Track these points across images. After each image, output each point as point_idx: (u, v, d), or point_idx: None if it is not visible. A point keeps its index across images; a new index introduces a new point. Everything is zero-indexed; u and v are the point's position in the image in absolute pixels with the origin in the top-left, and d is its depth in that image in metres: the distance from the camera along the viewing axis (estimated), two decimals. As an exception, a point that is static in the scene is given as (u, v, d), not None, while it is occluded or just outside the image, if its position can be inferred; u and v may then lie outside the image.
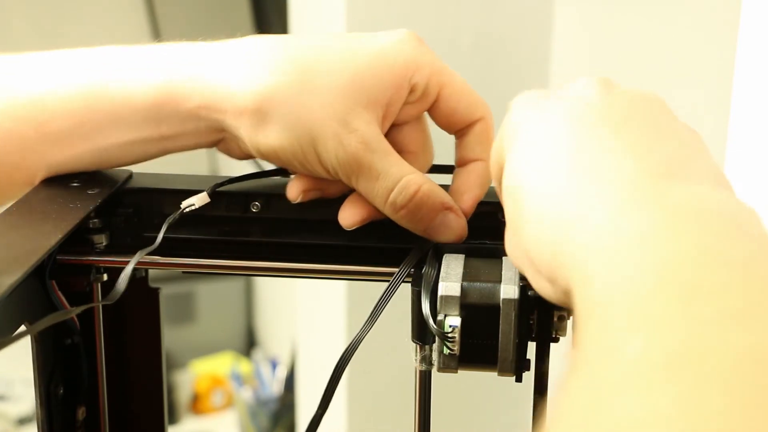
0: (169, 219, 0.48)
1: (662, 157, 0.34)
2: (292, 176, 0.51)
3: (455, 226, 0.48)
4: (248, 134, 0.48)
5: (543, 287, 0.36)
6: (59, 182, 0.52)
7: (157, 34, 2.29)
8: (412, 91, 0.48)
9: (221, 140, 0.51)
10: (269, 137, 0.47)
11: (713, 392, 0.22)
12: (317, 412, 0.48)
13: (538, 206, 0.35)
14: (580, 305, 0.30)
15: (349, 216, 0.49)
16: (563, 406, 0.24)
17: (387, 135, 0.49)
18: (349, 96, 0.47)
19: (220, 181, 0.51)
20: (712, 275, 0.27)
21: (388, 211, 0.48)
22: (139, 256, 0.47)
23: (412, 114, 0.50)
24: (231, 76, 0.47)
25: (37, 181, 0.52)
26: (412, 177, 0.47)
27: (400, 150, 0.50)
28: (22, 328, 0.44)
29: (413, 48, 0.48)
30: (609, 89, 0.38)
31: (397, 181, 0.47)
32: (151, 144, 0.51)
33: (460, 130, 0.51)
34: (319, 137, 0.46)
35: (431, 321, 0.43)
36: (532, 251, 0.35)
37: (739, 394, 0.22)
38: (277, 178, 0.53)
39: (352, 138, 0.46)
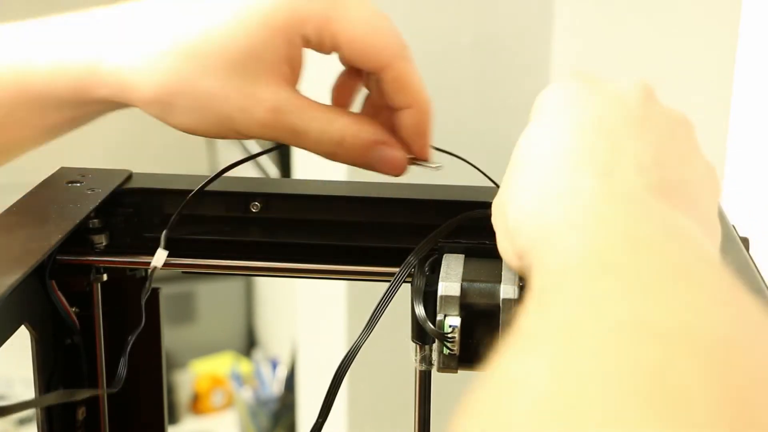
0: (144, 292, 0.49)
1: (665, 177, 0.35)
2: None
3: (391, 159, 0.48)
4: (162, 119, 0.49)
5: (505, 250, 0.39)
6: (59, 182, 0.52)
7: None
8: (306, 43, 0.47)
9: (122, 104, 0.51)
10: (182, 121, 0.48)
11: (581, 358, 0.24)
12: (318, 420, 0.48)
13: (530, 178, 0.37)
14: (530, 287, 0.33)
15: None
16: (475, 391, 0.27)
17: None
18: (245, 67, 0.46)
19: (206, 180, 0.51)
20: (614, 263, 0.29)
21: (324, 157, 0.49)
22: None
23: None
24: (134, 63, 0.47)
25: None
26: (335, 125, 0.48)
27: (375, 104, 0.50)
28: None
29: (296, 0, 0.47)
30: (650, 101, 0.39)
31: (321, 133, 0.47)
32: (68, 124, 0.52)
33: (373, 76, 0.49)
34: (229, 116, 0.47)
35: (428, 324, 0.43)
36: (511, 218, 0.37)
37: (603, 362, 0.24)
38: (278, 179, 0.53)
39: (260, 108, 0.47)
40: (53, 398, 0.46)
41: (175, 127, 0.49)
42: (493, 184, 0.52)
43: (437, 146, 0.54)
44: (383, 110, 0.50)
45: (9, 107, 0.50)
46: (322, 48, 0.48)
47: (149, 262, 0.51)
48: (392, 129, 0.49)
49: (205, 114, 0.47)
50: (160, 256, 0.49)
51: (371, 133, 0.48)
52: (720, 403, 0.22)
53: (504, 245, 0.40)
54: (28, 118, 0.51)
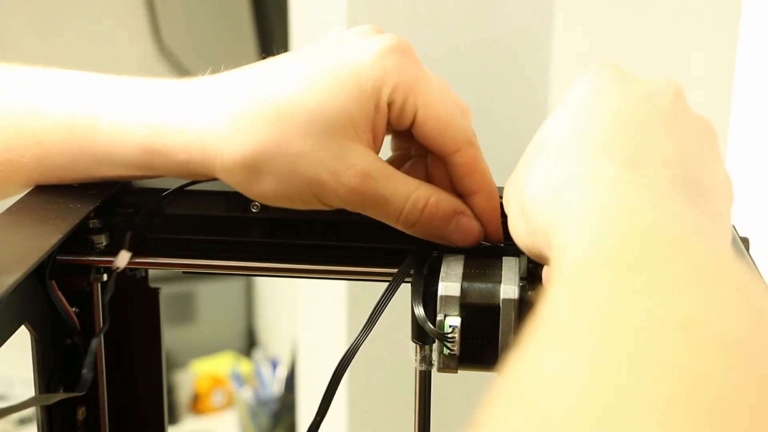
0: (107, 290, 0.50)
1: (688, 174, 0.36)
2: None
3: (469, 229, 0.48)
4: (241, 186, 0.47)
5: (517, 228, 0.40)
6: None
7: (157, 34, 2.29)
8: (390, 108, 0.47)
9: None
10: (264, 188, 0.46)
11: (617, 359, 0.24)
12: (315, 418, 0.48)
13: (552, 158, 0.38)
14: (552, 272, 0.33)
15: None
16: (500, 378, 0.27)
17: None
18: (339, 130, 0.45)
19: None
20: (643, 255, 0.29)
21: (401, 228, 0.48)
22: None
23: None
24: (217, 131, 0.46)
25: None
26: (419, 193, 0.47)
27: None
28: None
29: (389, 64, 0.46)
30: (680, 101, 0.40)
31: (405, 201, 0.47)
32: (141, 176, 0.51)
33: (441, 157, 0.49)
34: (319, 180, 0.46)
35: (428, 324, 0.43)
36: (528, 195, 0.38)
37: (641, 365, 0.23)
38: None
39: (351, 174, 0.46)
40: (32, 402, 0.46)
41: (256, 196, 0.47)
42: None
43: None
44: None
45: (71, 158, 0.49)
46: (402, 118, 0.47)
47: (149, 262, 0.51)
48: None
49: (293, 179, 0.46)
50: (123, 257, 0.49)
51: (453, 202, 0.48)
52: (761, 409, 0.22)
53: (517, 223, 0.40)
54: (88, 171, 0.50)
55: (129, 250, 0.49)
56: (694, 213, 0.34)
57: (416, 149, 0.51)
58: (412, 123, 0.47)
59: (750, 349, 0.24)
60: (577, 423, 0.22)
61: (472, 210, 0.48)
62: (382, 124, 0.47)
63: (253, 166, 0.46)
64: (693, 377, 0.23)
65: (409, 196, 0.47)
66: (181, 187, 0.51)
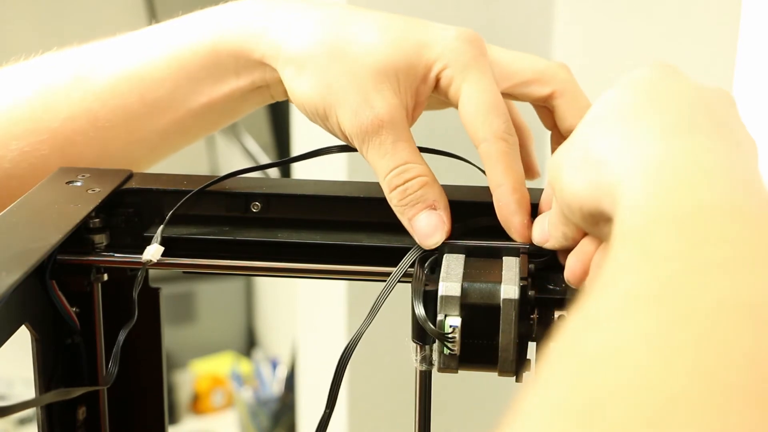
0: (137, 284, 0.49)
1: (733, 149, 0.35)
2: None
3: (435, 226, 0.48)
4: (288, 79, 0.52)
5: (575, 184, 0.39)
6: (59, 182, 0.52)
7: (157, 34, 2.29)
8: (438, 83, 0.50)
9: (269, 88, 0.56)
10: (302, 86, 0.51)
11: (679, 332, 0.24)
12: (325, 411, 0.48)
13: (623, 119, 0.38)
14: (614, 233, 0.32)
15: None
16: (559, 337, 0.26)
17: None
18: (378, 76, 0.49)
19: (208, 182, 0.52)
20: (721, 227, 0.29)
21: (384, 189, 0.50)
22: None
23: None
24: (287, 36, 0.52)
25: (144, 150, 0.58)
26: (413, 165, 0.49)
27: None
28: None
29: (452, 45, 0.50)
30: (733, 108, 0.41)
31: (400, 163, 0.49)
32: (229, 101, 0.56)
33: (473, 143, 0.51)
34: (339, 102, 0.50)
35: (429, 324, 0.43)
36: (596, 148, 0.38)
37: (700, 335, 0.23)
38: (278, 179, 0.53)
39: (368, 113, 0.49)
40: (51, 397, 0.46)
41: (292, 91, 0.52)
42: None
43: (436, 149, 0.54)
44: None
45: (170, 85, 0.56)
46: (448, 96, 0.50)
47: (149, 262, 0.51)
48: None
49: (322, 91, 0.50)
50: (155, 252, 0.49)
51: (437, 193, 0.49)
52: None
53: (575, 177, 0.39)
54: (185, 97, 0.56)
55: (162, 244, 0.49)
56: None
57: None
58: (454, 104, 0.50)
59: None
60: (631, 399, 0.22)
61: (495, 201, 0.48)
62: (425, 93, 0.51)
63: (302, 62, 0.51)
64: (758, 367, 0.22)
65: (405, 162, 0.49)
66: (186, 191, 0.51)
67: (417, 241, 0.48)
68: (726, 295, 0.25)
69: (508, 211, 0.48)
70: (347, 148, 0.53)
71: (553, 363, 0.25)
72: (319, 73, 0.50)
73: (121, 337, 0.49)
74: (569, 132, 0.45)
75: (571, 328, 0.26)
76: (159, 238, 0.49)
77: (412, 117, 0.51)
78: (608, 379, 0.23)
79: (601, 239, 0.41)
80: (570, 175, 0.39)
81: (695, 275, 0.26)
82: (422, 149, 0.51)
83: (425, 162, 0.50)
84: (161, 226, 0.50)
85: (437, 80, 0.50)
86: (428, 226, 0.48)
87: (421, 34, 0.51)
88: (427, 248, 0.48)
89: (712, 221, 0.29)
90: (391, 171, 0.49)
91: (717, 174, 0.32)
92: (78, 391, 0.48)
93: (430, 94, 0.51)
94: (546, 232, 0.46)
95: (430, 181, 0.49)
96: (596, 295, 0.27)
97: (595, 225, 0.39)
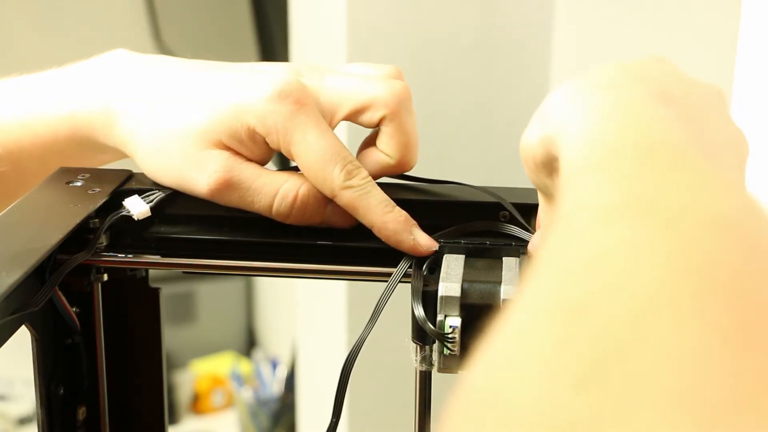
0: (109, 220, 0.50)
1: (700, 135, 0.36)
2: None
3: (342, 212, 0.50)
4: (140, 163, 0.53)
5: (531, 143, 0.40)
6: (59, 182, 0.52)
7: (157, 33, 2.29)
8: (268, 141, 0.50)
9: None
10: (149, 168, 0.53)
11: (660, 236, 0.25)
12: (332, 420, 0.48)
13: (577, 81, 0.38)
14: (563, 169, 0.34)
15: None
16: (538, 258, 0.27)
17: None
18: (202, 144, 0.50)
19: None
20: (683, 159, 0.30)
21: (280, 220, 0.50)
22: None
23: None
24: (138, 124, 0.53)
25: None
26: (287, 186, 0.50)
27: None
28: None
29: (268, 109, 0.49)
30: (723, 103, 0.42)
31: (273, 195, 0.50)
32: (105, 162, 0.59)
33: None
34: (184, 180, 0.51)
35: (428, 324, 0.43)
36: (548, 102, 0.39)
37: (682, 240, 0.24)
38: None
39: (212, 180, 0.50)
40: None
41: (146, 173, 0.53)
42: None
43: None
44: None
45: (64, 147, 0.56)
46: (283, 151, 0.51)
47: (149, 262, 0.51)
48: None
49: (167, 172, 0.52)
50: (141, 207, 0.50)
51: (318, 198, 0.50)
52: None
53: (529, 133, 0.40)
54: (82, 156, 0.57)
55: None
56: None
57: None
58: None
59: None
60: (615, 301, 0.23)
61: (378, 235, 0.49)
62: (262, 148, 0.51)
63: (144, 149, 0.52)
64: (737, 269, 0.23)
65: (278, 191, 0.50)
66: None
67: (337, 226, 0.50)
68: (706, 207, 0.26)
69: (393, 241, 0.49)
70: None
71: (537, 272, 0.26)
72: (159, 156, 0.52)
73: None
74: (385, 152, 0.51)
75: (553, 242, 0.27)
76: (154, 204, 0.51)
77: (265, 158, 0.52)
78: (591, 283, 0.24)
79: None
80: (526, 133, 0.41)
81: (672, 191, 0.27)
82: (424, 180, 0.52)
83: (291, 173, 0.51)
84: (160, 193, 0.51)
85: (267, 144, 0.50)
86: (341, 214, 0.50)
87: (235, 97, 0.50)
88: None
89: (672, 154, 0.30)
90: (272, 204, 0.50)
91: (666, 125, 0.33)
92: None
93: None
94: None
95: (310, 187, 0.50)
96: (570, 216, 0.28)
97: (549, 176, 0.40)
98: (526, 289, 0.25)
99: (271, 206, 0.50)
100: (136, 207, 0.50)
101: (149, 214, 0.50)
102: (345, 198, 0.49)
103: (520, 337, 0.24)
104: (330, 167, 0.49)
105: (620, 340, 0.22)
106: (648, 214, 0.26)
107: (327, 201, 0.50)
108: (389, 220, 0.49)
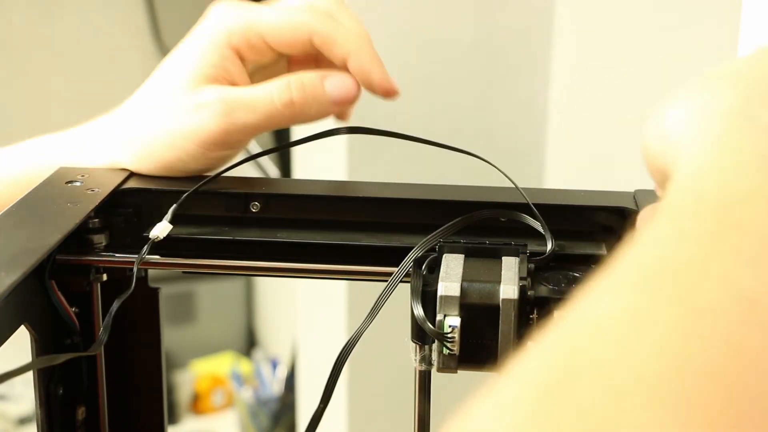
0: (143, 251, 0.49)
1: None
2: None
3: (341, 80, 0.53)
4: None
5: (650, 143, 0.37)
6: (59, 182, 0.52)
7: (157, 33, 2.29)
8: (241, 52, 0.54)
9: None
10: (140, 156, 0.54)
11: (668, 309, 0.23)
12: (319, 406, 0.48)
13: (700, 83, 0.35)
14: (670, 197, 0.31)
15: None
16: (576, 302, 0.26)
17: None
18: (190, 84, 0.53)
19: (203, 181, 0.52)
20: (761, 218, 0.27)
21: (285, 110, 0.53)
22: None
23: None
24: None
25: None
26: (279, 86, 0.53)
27: None
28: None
29: (221, 18, 0.55)
30: None
31: (270, 93, 0.53)
32: None
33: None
34: (184, 134, 0.53)
35: (428, 324, 0.43)
36: (667, 105, 0.36)
37: (688, 317, 0.23)
38: (278, 179, 0.53)
39: (215, 105, 0.52)
40: (38, 363, 0.47)
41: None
42: (509, 181, 0.51)
43: (450, 144, 0.54)
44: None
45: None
46: (259, 51, 0.54)
47: (149, 262, 0.51)
48: None
49: (170, 141, 0.54)
50: (163, 229, 0.50)
51: (311, 73, 0.54)
52: None
53: (649, 135, 0.37)
54: None
55: (162, 244, 0.50)
56: None
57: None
58: (269, 47, 0.54)
59: None
60: (601, 378, 0.21)
61: (355, 73, 0.53)
62: (238, 68, 0.54)
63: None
64: (739, 360, 0.21)
65: (272, 93, 0.52)
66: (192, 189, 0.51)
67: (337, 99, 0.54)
68: (729, 285, 0.24)
69: (367, 64, 0.54)
70: (356, 129, 0.53)
71: (547, 332, 0.24)
72: (150, 129, 0.54)
73: (115, 306, 0.49)
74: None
75: (584, 293, 0.26)
76: (170, 216, 0.50)
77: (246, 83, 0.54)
78: (585, 353, 0.23)
79: None
80: (644, 142, 0.38)
81: (707, 261, 0.25)
82: (438, 144, 0.53)
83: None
84: (174, 206, 0.50)
85: (238, 51, 0.54)
86: (339, 86, 0.53)
87: (196, 41, 0.55)
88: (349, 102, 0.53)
89: (752, 209, 0.27)
90: (275, 109, 0.52)
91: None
92: (63, 357, 0.48)
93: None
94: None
95: (297, 76, 0.53)
96: (614, 265, 0.26)
97: (662, 186, 0.38)
98: (527, 351, 0.24)
99: (273, 101, 0.52)
100: (162, 230, 0.50)
101: (171, 227, 0.50)
102: (324, 28, 0.53)
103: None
104: (298, 20, 0.53)
105: None
106: (669, 283, 0.24)
107: (320, 81, 0.53)
108: (361, 40, 0.53)
